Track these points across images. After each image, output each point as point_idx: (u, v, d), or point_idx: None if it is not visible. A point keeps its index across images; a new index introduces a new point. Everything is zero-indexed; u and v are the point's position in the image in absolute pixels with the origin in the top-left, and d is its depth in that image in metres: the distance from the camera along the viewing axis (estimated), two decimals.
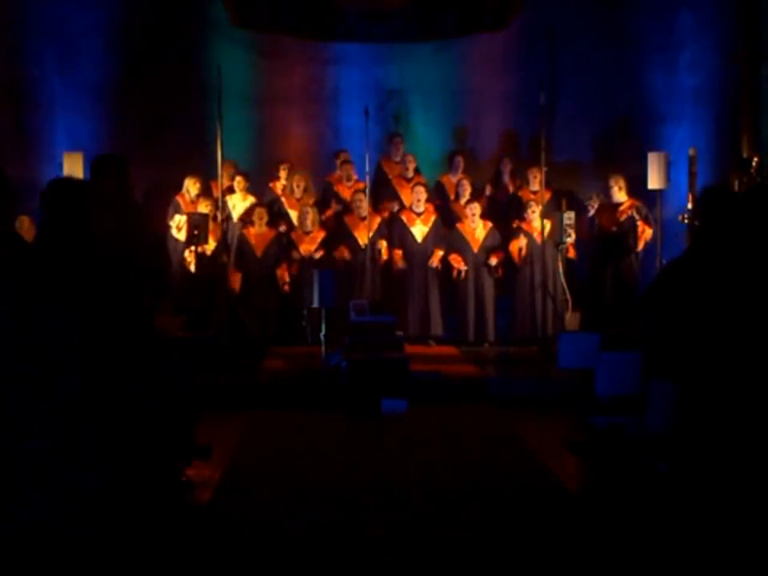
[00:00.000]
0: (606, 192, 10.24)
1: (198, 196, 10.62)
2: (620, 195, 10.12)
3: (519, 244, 10.33)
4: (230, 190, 10.78)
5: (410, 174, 11.17)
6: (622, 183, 10.11)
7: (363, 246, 10.31)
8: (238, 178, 10.92)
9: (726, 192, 4.35)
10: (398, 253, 10.50)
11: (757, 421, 3.87)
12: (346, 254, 10.43)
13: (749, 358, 3.93)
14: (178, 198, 10.62)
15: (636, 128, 11.24)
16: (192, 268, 9.95)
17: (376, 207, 10.79)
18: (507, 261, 10.51)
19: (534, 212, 10.16)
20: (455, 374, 8.87)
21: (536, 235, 10.11)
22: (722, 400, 3.93)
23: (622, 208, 10.06)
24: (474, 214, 10.46)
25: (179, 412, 5.31)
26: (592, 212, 10.23)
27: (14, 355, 2.63)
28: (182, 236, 10.16)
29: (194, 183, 10.62)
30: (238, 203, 10.91)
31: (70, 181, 3.97)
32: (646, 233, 9.91)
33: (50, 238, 3.67)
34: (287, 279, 10.35)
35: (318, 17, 12.43)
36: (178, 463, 5.56)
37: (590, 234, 10.23)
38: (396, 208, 10.91)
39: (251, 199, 10.98)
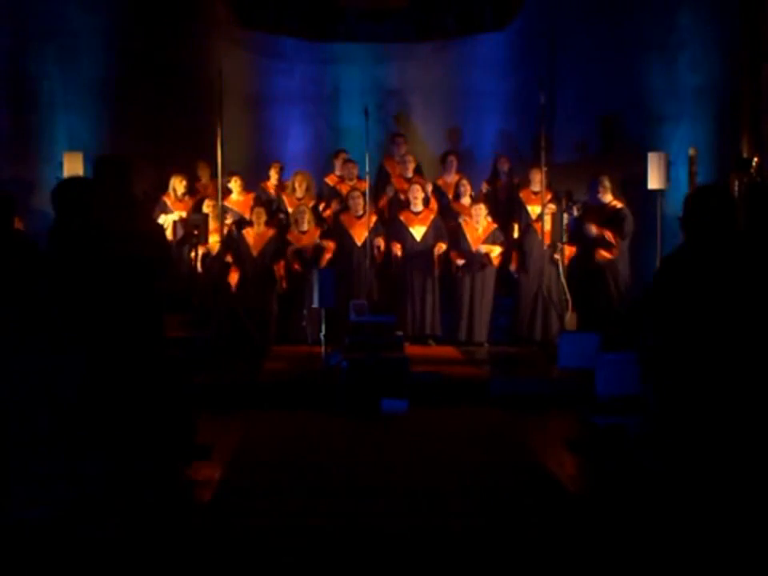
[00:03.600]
0: (593, 193, 10.25)
1: (184, 194, 10.62)
2: (606, 196, 10.13)
3: (515, 260, 10.42)
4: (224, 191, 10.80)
5: (410, 173, 11.17)
6: (607, 183, 10.13)
7: (360, 245, 10.32)
8: (234, 178, 10.93)
9: (714, 194, 4.32)
10: (397, 245, 10.47)
11: (756, 421, 3.87)
12: (330, 245, 10.41)
13: (748, 360, 3.93)
14: (165, 198, 10.61)
15: (636, 128, 11.24)
16: (199, 267, 9.95)
17: (374, 206, 10.80)
18: (506, 261, 10.55)
19: (548, 214, 10.16)
20: (455, 374, 8.86)
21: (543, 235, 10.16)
22: (727, 399, 3.93)
23: (608, 209, 10.09)
24: (479, 215, 10.46)
25: (179, 412, 5.32)
26: (575, 215, 10.25)
27: (20, 353, 2.63)
28: (168, 234, 10.11)
29: (180, 181, 10.61)
30: (239, 203, 10.93)
31: (80, 180, 3.98)
32: (608, 252, 9.88)
33: (61, 235, 3.67)
34: (283, 273, 10.35)
35: (318, 17, 12.46)
36: (178, 463, 5.56)
37: (571, 237, 10.23)
38: (391, 194, 10.95)
39: (250, 198, 10.99)
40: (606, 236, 9.87)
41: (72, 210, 3.66)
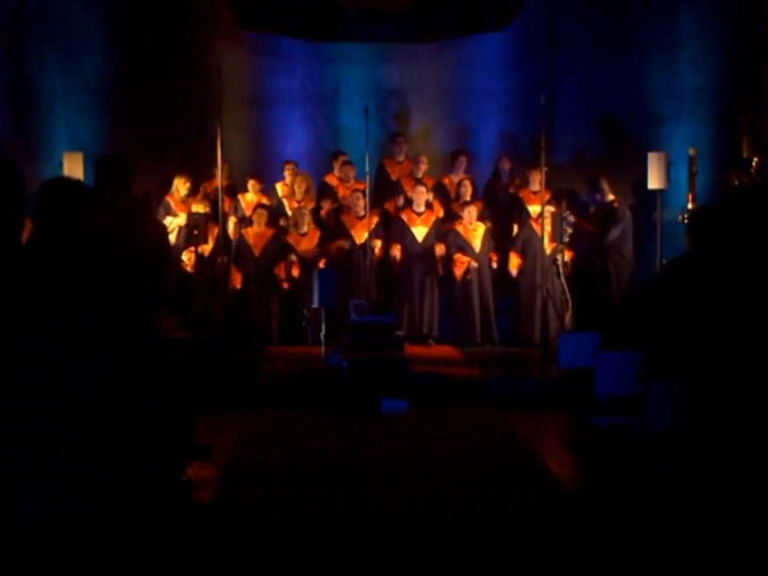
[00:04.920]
0: (592, 194, 10.24)
1: (188, 196, 10.65)
2: (607, 196, 10.15)
3: (515, 262, 10.38)
4: (227, 191, 10.81)
5: (421, 174, 11.18)
6: (605, 184, 10.14)
7: (360, 245, 10.33)
8: (252, 181, 11.01)
9: (718, 211, 4.35)
10: (397, 246, 10.48)
11: (761, 420, 3.87)
12: (342, 242, 10.40)
13: (753, 357, 3.93)
14: (168, 199, 10.62)
15: (636, 128, 11.25)
16: (189, 269, 9.94)
17: (378, 207, 10.80)
18: (503, 263, 10.55)
19: (547, 216, 10.17)
20: (455, 374, 8.86)
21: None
22: (727, 399, 3.93)
23: (607, 208, 10.11)
24: (471, 215, 10.47)
25: (179, 412, 5.31)
26: (571, 221, 10.27)
27: (21, 353, 2.63)
28: (172, 237, 10.07)
29: (184, 183, 10.62)
30: (251, 204, 10.97)
31: (61, 181, 3.96)
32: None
33: (41, 238, 3.66)
34: (284, 276, 10.37)
35: (319, 17, 12.45)
36: (178, 463, 5.56)
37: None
38: (401, 201, 10.94)
39: (264, 201, 11.05)
40: (585, 225, 9.91)
41: (51, 216, 3.63)
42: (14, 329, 2.65)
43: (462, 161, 11.32)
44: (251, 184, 11.03)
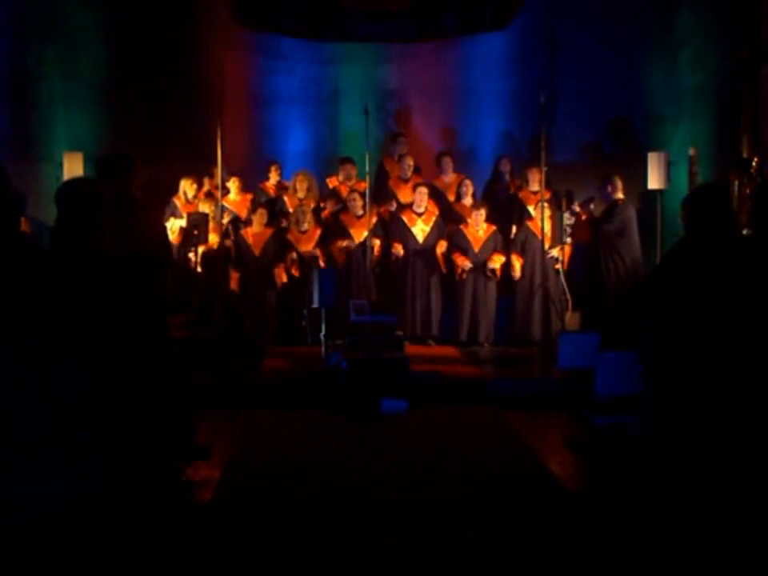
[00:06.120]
0: (604, 191, 10.22)
1: (195, 197, 10.62)
2: (617, 194, 10.12)
3: (518, 265, 10.34)
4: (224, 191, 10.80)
5: (408, 174, 11.15)
6: (618, 182, 10.10)
7: (358, 244, 10.34)
8: (233, 179, 10.95)
9: (718, 192, 4.33)
10: (398, 245, 10.45)
11: (755, 420, 3.87)
12: (344, 242, 10.38)
13: (748, 359, 3.92)
14: (175, 200, 10.61)
15: (636, 128, 11.25)
16: (198, 268, 9.94)
17: (377, 206, 10.79)
18: (507, 264, 10.52)
19: (547, 209, 10.13)
20: (455, 374, 8.86)
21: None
22: (717, 399, 3.93)
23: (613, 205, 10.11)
24: (480, 217, 10.42)
25: (179, 412, 5.31)
26: (576, 211, 10.25)
27: (17, 352, 2.63)
28: (174, 238, 10.04)
29: (191, 184, 10.62)
30: (236, 203, 10.96)
31: (85, 181, 3.98)
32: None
33: (64, 237, 3.68)
34: (284, 279, 10.34)
35: (318, 17, 12.45)
36: (178, 463, 5.56)
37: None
38: (394, 206, 10.92)
39: (248, 198, 11.02)
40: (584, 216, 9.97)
41: (76, 211, 3.67)
42: (7, 332, 2.65)
43: (447, 161, 11.25)
44: (233, 182, 10.96)
